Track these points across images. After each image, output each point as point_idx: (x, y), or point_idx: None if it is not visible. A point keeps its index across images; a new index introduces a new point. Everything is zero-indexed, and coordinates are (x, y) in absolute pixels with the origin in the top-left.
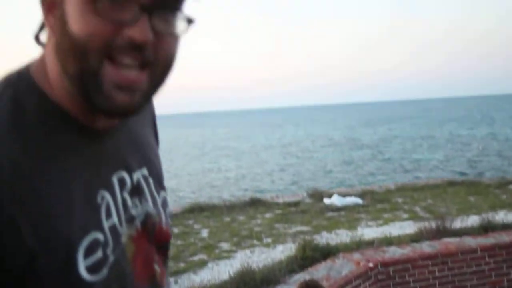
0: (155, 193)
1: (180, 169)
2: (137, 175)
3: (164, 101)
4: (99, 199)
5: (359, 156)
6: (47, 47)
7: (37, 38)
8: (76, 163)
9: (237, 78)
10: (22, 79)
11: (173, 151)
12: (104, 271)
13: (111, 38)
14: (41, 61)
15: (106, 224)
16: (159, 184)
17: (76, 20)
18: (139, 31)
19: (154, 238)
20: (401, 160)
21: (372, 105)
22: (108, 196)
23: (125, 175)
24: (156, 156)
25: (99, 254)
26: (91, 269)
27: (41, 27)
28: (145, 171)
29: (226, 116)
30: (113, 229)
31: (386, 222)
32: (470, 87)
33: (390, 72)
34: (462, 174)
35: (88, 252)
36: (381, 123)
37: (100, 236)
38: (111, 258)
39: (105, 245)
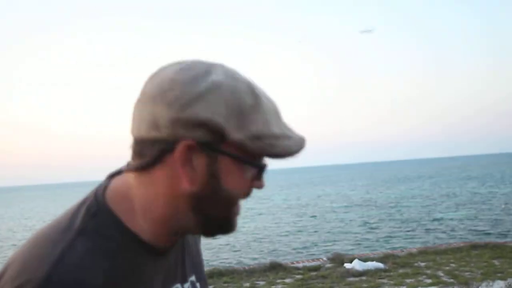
0: None
1: None
2: (187, 285)
3: None
4: None
5: (378, 215)
6: (148, 188)
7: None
8: (146, 282)
9: None
10: (102, 210)
11: None
12: None
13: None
14: (123, 195)
15: None
16: (205, 287)
17: (230, 180)
18: (262, 183)
19: None
20: (421, 219)
21: (389, 164)
22: None
23: (179, 287)
24: (201, 260)
25: None
26: None
27: (149, 164)
28: (193, 278)
29: None
30: None
31: None
32: (487, 145)
33: (408, 132)
34: (485, 233)
35: None
36: (400, 182)
37: None
38: None
39: None
